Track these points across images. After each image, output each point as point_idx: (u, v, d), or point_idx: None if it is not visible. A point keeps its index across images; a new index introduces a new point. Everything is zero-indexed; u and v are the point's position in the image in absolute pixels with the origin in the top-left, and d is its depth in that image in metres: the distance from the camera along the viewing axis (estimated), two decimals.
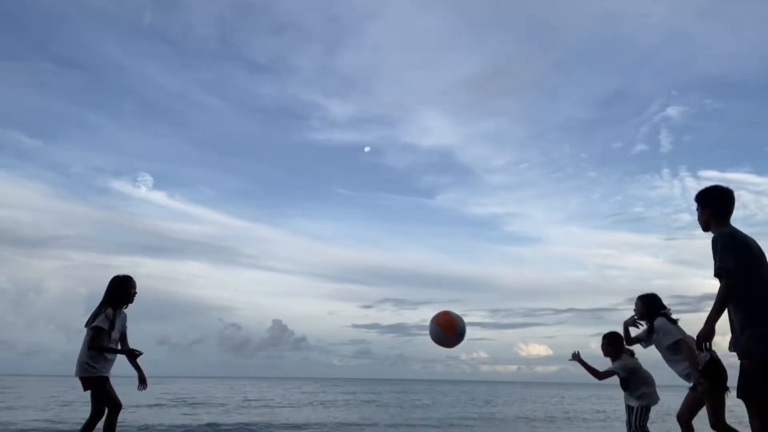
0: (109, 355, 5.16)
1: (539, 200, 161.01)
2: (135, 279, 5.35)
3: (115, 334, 5.18)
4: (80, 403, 17.16)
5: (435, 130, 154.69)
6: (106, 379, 5.14)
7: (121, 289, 5.26)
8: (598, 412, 21.30)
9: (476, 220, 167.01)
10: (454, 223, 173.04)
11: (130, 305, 5.35)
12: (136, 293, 5.33)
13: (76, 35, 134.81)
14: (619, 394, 6.03)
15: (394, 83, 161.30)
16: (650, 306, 5.53)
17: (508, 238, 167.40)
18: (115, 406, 5.13)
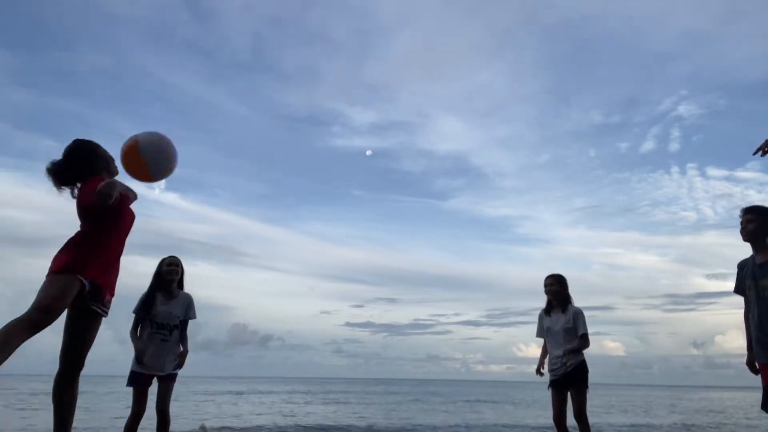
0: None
1: (549, 202, 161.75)
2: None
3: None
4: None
5: (451, 135, 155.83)
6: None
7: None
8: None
9: (487, 222, 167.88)
10: (465, 225, 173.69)
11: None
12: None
13: (110, 43, 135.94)
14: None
15: (415, 92, 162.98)
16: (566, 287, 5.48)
17: (517, 240, 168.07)
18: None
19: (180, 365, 4.91)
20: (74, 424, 3.40)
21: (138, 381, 4.72)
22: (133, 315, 4.88)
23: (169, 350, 4.84)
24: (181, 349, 4.96)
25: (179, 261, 5.06)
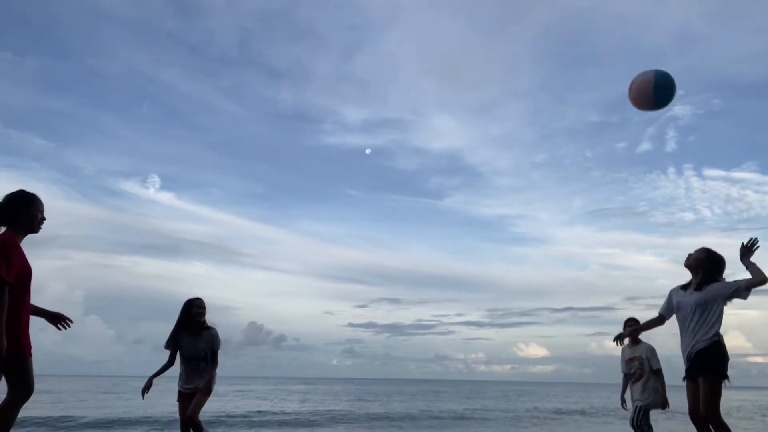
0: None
1: (545, 201, 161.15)
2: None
3: None
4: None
5: (445, 133, 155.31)
6: None
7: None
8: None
9: (483, 222, 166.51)
10: (461, 224, 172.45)
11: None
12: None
13: (97, 40, 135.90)
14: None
15: (407, 88, 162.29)
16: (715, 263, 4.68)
17: (513, 239, 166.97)
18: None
19: (207, 386, 5.46)
20: None
21: (180, 397, 5.54)
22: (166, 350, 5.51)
23: (200, 374, 5.48)
24: (212, 371, 5.51)
25: (204, 303, 5.59)
